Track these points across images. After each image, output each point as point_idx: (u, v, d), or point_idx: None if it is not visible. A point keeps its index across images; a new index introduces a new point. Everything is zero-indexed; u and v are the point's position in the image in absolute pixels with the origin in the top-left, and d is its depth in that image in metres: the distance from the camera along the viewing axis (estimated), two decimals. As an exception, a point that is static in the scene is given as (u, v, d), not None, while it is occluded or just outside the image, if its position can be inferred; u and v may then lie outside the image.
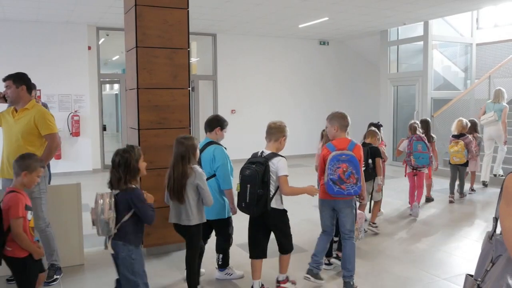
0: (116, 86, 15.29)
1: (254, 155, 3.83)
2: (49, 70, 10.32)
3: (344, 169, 3.85)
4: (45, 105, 6.45)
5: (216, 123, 4.28)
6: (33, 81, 9.28)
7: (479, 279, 1.61)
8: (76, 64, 10.60)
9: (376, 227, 5.84)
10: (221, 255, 4.31)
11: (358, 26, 11.53)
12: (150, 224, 3.22)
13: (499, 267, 1.54)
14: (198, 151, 3.68)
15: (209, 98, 12.65)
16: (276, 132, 3.84)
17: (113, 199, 3.07)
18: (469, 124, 7.57)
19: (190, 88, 5.19)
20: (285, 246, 3.93)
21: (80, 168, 10.54)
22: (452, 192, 7.51)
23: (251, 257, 3.92)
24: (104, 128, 11.37)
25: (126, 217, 3.11)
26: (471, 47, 12.31)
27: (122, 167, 3.10)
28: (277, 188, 3.74)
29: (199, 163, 3.90)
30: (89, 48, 10.86)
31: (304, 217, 6.31)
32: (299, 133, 12.07)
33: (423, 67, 11.51)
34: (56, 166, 10.42)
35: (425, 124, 7.11)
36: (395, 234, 5.80)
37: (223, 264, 4.34)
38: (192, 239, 3.70)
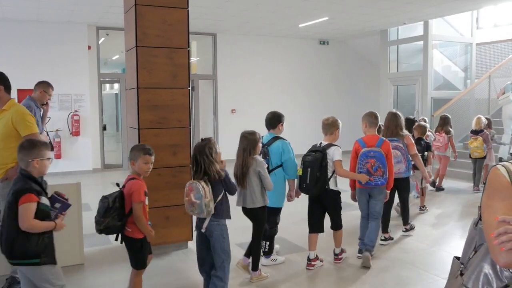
0: (116, 85, 15.28)
1: (314, 146, 4.59)
2: (49, 70, 10.31)
3: (372, 163, 4.52)
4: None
5: (277, 120, 4.77)
6: (33, 81, 9.25)
7: (462, 265, 1.68)
8: (76, 64, 10.60)
9: (426, 210, 6.83)
10: (267, 242, 4.66)
11: (358, 26, 11.53)
12: (232, 195, 3.74)
13: (480, 255, 1.60)
14: (259, 144, 4.14)
15: (209, 98, 12.65)
16: (330, 127, 4.58)
17: (209, 185, 3.50)
18: (486, 122, 8.29)
19: (190, 88, 5.19)
20: (337, 223, 4.64)
21: (80, 167, 10.54)
22: (477, 185, 8.17)
23: (310, 232, 4.63)
24: (104, 128, 11.38)
25: (219, 198, 3.60)
26: (471, 47, 12.31)
27: (201, 158, 3.56)
28: (333, 173, 4.45)
29: (268, 155, 4.49)
30: (89, 47, 10.86)
31: (304, 217, 6.30)
32: (299, 133, 12.07)
33: (423, 67, 11.52)
34: (56, 165, 10.43)
35: (442, 121, 7.95)
36: (395, 234, 5.80)
37: (269, 251, 4.69)
38: (257, 220, 4.20)
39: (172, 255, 5.00)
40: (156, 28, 4.88)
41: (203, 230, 3.60)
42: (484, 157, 8.08)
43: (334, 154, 4.43)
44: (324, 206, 4.58)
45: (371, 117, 4.75)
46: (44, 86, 5.98)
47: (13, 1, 8.39)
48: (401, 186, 5.43)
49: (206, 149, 3.56)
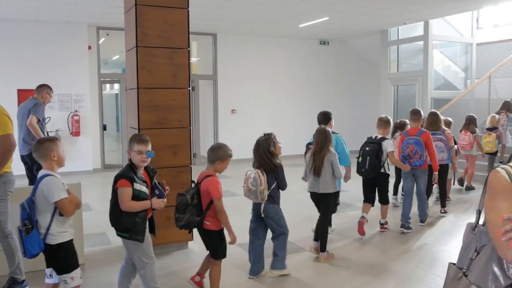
0: (116, 85, 15.28)
1: (369, 138, 5.72)
2: (49, 70, 10.32)
3: (411, 148, 5.68)
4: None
5: (328, 118, 5.64)
6: (33, 81, 9.37)
7: (465, 267, 1.72)
8: (76, 64, 10.60)
9: (450, 200, 7.45)
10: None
11: (358, 26, 11.53)
12: (284, 190, 4.27)
13: (484, 256, 1.64)
14: (331, 137, 4.80)
15: (209, 98, 12.66)
16: (385, 124, 5.71)
17: (265, 175, 4.04)
18: (500, 120, 8.73)
19: (190, 88, 5.20)
20: (385, 199, 5.78)
21: (80, 168, 10.54)
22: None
23: (364, 202, 5.74)
24: (104, 128, 11.38)
25: (273, 186, 4.14)
26: (471, 47, 12.31)
27: (263, 150, 4.15)
28: (385, 160, 5.53)
29: None
30: (89, 48, 10.86)
31: (304, 216, 6.31)
32: (299, 133, 12.06)
33: (423, 67, 11.52)
34: (56, 166, 10.43)
35: (468, 121, 8.29)
36: (395, 234, 5.80)
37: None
38: (327, 205, 4.84)
39: (172, 255, 5.00)
40: (156, 28, 4.88)
41: (262, 215, 4.15)
42: (495, 153, 8.38)
43: (387, 146, 5.53)
44: (375, 185, 5.69)
45: (412, 115, 6.05)
46: (47, 88, 6.36)
47: (13, 1, 8.39)
48: (443, 170, 6.46)
49: (265, 143, 4.14)
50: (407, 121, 7.18)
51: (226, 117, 12.57)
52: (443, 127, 6.69)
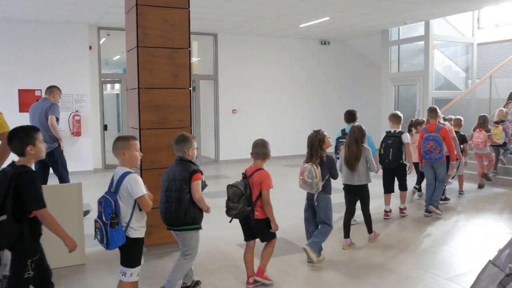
0: (117, 86, 15.29)
1: (389, 132, 6.42)
2: (50, 70, 10.32)
3: (431, 144, 6.34)
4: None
5: (354, 116, 6.51)
6: (34, 81, 9.41)
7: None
8: (77, 64, 10.61)
9: (463, 194, 7.92)
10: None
11: (359, 26, 11.52)
12: (335, 179, 4.75)
13: None
14: (366, 135, 5.31)
15: (210, 98, 12.65)
16: (398, 119, 6.44)
17: (319, 168, 4.48)
18: (508, 113, 9.05)
19: (191, 88, 5.19)
20: (404, 186, 6.51)
21: (81, 168, 10.54)
22: (495, 168, 8.86)
23: (385, 193, 6.41)
24: (105, 128, 11.38)
25: (326, 177, 4.59)
26: (472, 47, 12.30)
27: (315, 146, 4.60)
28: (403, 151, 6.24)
29: None
30: (90, 48, 10.86)
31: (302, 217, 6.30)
32: (300, 132, 12.07)
33: (424, 67, 11.51)
34: (57, 166, 10.44)
35: (482, 120, 8.52)
36: (396, 234, 5.80)
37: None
38: (363, 195, 5.34)
39: (173, 255, 4.99)
40: (157, 28, 4.88)
41: (315, 204, 4.62)
42: (503, 144, 8.56)
43: (405, 138, 6.25)
44: (393, 175, 6.39)
45: (430, 112, 6.69)
46: (57, 89, 6.72)
47: (14, 1, 8.40)
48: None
49: (316, 139, 4.61)
50: (421, 120, 7.74)
51: (227, 117, 12.57)
52: (442, 121, 7.21)
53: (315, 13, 9.82)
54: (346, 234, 5.23)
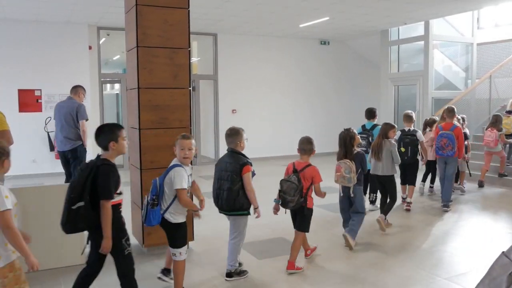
0: (117, 85, 15.27)
1: (404, 131, 6.95)
2: (50, 70, 10.33)
3: (445, 141, 6.80)
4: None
5: (374, 113, 7.11)
6: (34, 81, 9.45)
7: None
8: (77, 64, 10.60)
9: (464, 193, 8.14)
10: (374, 194, 6.90)
11: (359, 26, 11.52)
12: (365, 173, 5.27)
13: None
14: (394, 131, 6.01)
15: (210, 98, 12.65)
16: (410, 118, 7.08)
17: (353, 163, 4.95)
18: None
19: (191, 88, 5.19)
20: (413, 181, 6.99)
21: (81, 168, 10.52)
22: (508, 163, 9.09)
23: (402, 184, 7.11)
24: (105, 128, 11.35)
25: (359, 170, 5.01)
26: (472, 47, 12.30)
27: (347, 143, 5.05)
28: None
29: (372, 136, 6.71)
30: (90, 48, 10.86)
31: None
32: (300, 132, 12.07)
33: (424, 67, 11.51)
34: (56, 165, 10.43)
35: (495, 119, 8.69)
36: (396, 234, 5.80)
37: (375, 200, 6.90)
38: (389, 184, 5.94)
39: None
40: (157, 28, 4.88)
41: (351, 196, 5.08)
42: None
43: (420, 136, 6.93)
44: (406, 170, 7.00)
45: (447, 111, 7.09)
46: (81, 88, 6.93)
47: (14, 1, 8.39)
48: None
49: (348, 136, 5.04)
50: (436, 118, 8.16)
51: (226, 117, 12.56)
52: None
53: (315, 13, 9.82)
54: (384, 212, 5.91)
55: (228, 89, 12.54)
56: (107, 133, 3.29)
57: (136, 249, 5.04)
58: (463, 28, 12.27)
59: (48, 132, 10.33)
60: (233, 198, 4.10)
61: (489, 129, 8.58)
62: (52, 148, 10.37)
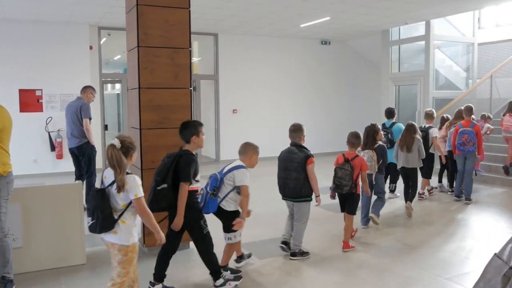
0: (117, 85, 15.29)
1: (420, 127, 7.32)
2: (51, 70, 10.34)
3: (466, 138, 7.19)
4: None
5: (393, 113, 7.64)
6: (35, 81, 9.50)
7: None
8: (77, 64, 10.61)
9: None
10: (394, 185, 7.66)
11: (360, 26, 11.52)
12: (386, 164, 6.04)
13: None
14: (418, 129, 6.70)
15: (211, 98, 12.65)
16: (430, 116, 7.75)
17: (375, 154, 5.71)
18: None
19: (192, 88, 5.19)
20: (428, 174, 7.67)
21: (81, 167, 10.53)
22: None
23: (423, 176, 7.64)
24: (105, 128, 11.38)
25: (380, 161, 5.77)
26: (473, 47, 12.29)
27: (371, 136, 5.80)
28: (431, 144, 7.58)
29: (391, 133, 7.28)
30: (91, 47, 10.86)
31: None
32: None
33: (424, 67, 11.51)
34: (58, 165, 10.45)
35: (510, 105, 9.01)
36: (396, 234, 5.80)
37: (394, 189, 7.74)
38: (413, 176, 6.64)
39: (173, 255, 4.99)
40: (158, 28, 4.88)
41: (373, 183, 5.93)
42: None
43: (433, 132, 7.49)
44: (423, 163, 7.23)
45: (465, 110, 7.45)
46: (91, 88, 7.23)
47: (14, 1, 8.40)
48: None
49: (372, 130, 5.79)
50: (450, 117, 8.48)
51: (227, 117, 12.57)
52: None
53: (315, 13, 9.82)
54: (410, 200, 6.56)
55: (228, 89, 12.54)
56: (191, 128, 3.88)
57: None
58: (464, 28, 12.26)
59: (49, 132, 10.34)
60: (300, 187, 4.67)
61: (508, 114, 8.88)
62: (53, 148, 10.38)
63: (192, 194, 3.81)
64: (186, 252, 5.07)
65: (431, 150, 7.55)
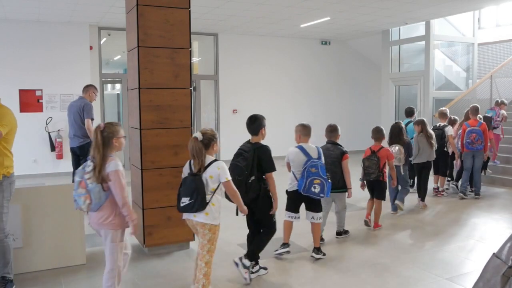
0: (117, 86, 15.29)
1: (435, 126, 7.95)
2: (51, 70, 10.34)
3: (474, 136, 7.48)
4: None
5: (412, 112, 8.34)
6: (35, 81, 9.47)
7: None
8: (77, 64, 10.61)
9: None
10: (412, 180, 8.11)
11: (360, 26, 11.52)
12: (411, 157, 7.02)
13: None
14: (427, 126, 7.15)
15: (211, 98, 12.65)
16: (444, 115, 7.98)
17: (402, 148, 6.46)
18: None
19: (192, 88, 5.19)
20: (444, 172, 8.05)
21: (81, 167, 10.52)
22: None
23: (434, 174, 7.99)
24: (105, 128, 11.35)
25: (405, 154, 6.56)
26: (473, 47, 12.29)
27: (396, 132, 6.58)
28: (447, 142, 7.83)
29: (406, 132, 7.16)
30: (91, 48, 10.86)
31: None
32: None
33: (424, 67, 11.51)
34: (58, 165, 10.45)
35: None
36: (396, 234, 5.80)
37: (412, 184, 8.11)
38: (426, 169, 7.16)
39: (174, 255, 5.00)
40: (158, 28, 4.88)
41: (402, 174, 6.59)
42: None
43: (448, 131, 7.72)
44: (437, 160, 7.69)
45: (471, 109, 7.74)
46: (93, 88, 7.25)
47: (14, 1, 8.40)
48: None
49: (398, 128, 6.57)
50: (457, 118, 8.69)
51: (227, 117, 12.57)
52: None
53: (315, 13, 9.82)
54: (422, 197, 7.17)
55: (229, 89, 12.54)
56: (260, 121, 4.26)
57: (137, 249, 5.05)
58: (464, 28, 12.26)
59: (49, 132, 10.34)
60: (337, 179, 5.19)
61: None
62: (53, 148, 10.38)
63: (266, 183, 4.19)
64: (186, 252, 5.07)
65: (445, 149, 7.83)
